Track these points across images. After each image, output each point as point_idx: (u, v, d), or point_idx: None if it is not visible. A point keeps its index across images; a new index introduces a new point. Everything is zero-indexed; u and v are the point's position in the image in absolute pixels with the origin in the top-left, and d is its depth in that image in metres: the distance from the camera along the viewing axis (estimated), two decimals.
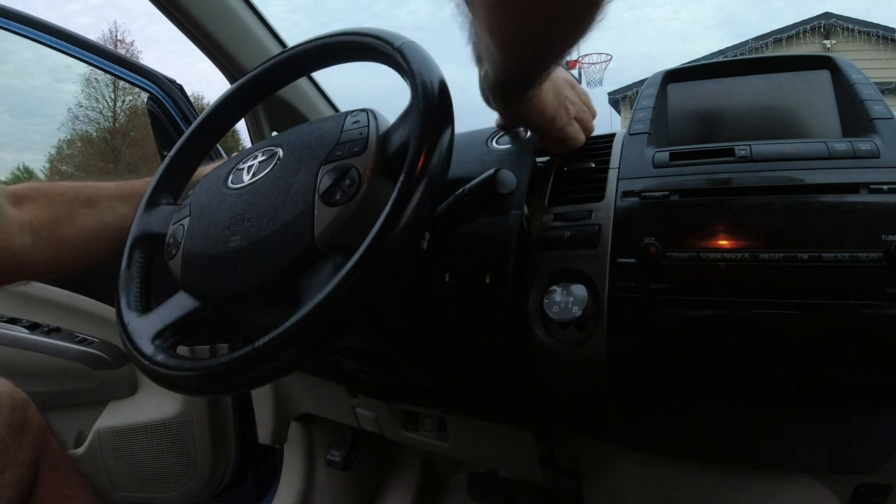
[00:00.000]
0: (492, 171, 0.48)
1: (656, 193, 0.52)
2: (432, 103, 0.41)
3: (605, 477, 0.68)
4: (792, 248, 0.46)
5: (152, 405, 1.06)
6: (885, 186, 0.46)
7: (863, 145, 0.50)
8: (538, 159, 0.63)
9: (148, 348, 0.45)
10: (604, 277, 0.50)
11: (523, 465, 0.72)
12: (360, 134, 0.46)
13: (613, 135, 0.64)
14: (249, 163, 0.51)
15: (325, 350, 0.39)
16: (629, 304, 0.49)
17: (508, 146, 0.63)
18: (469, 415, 0.70)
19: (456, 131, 0.43)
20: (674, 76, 0.66)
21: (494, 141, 0.65)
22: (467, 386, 0.61)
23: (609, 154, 0.60)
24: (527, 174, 0.58)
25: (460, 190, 0.50)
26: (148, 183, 0.60)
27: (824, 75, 0.60)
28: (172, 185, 0.59)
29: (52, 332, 1.05)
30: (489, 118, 0.63)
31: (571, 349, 0.51)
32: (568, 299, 0.51)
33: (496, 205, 0.51)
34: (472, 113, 0.59)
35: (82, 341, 1.04)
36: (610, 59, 10.65)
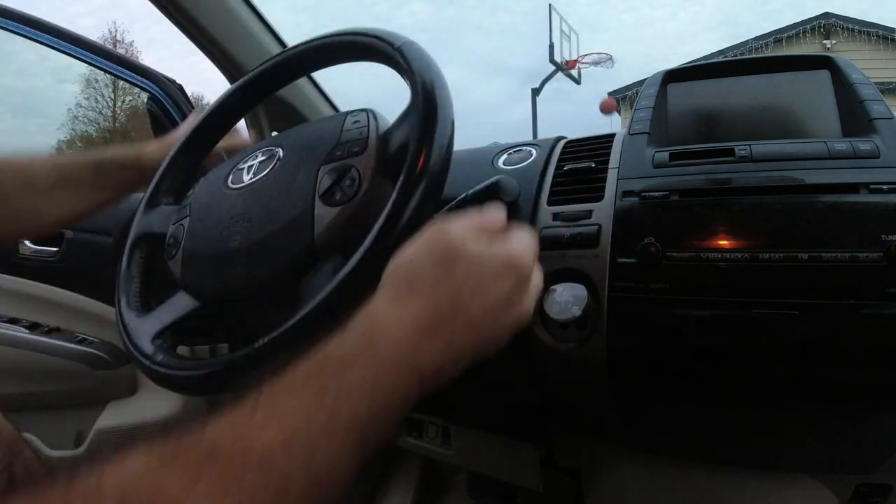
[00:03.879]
0: (495, 178, 0.49)
1: (656, 193, 0.52)
2: (432, 103, 0.41)
3: (605, 477, 0.68)
4: (792, 248, 0.46)
5: (152, 405, 1.06)
6: (885, 186, 0.46)
7: (863, 145, 0.50)
8: None
9: (148, 348, 0.45)
10: (604, 277, 0.50)
11: (525, 476, 0.73)
12: (360, 134, 0.46)
13: (613, 135, 0.64)
14: (250, 163, 0.51)
15: None
16: (629, 304, 0.49)
17: (515, 167, 0.63)
18: (469, 425, 0.70)
19: (458, 137, 0.43)
20: (674, 76, 0.66)
21: (501, 161, 0.65)
22: (467, 394, 0.61)
23: (609, 154, 0.60)
24: (532, 197, 0.58)
25: (462, 195, 0.51)
26: (81, 157, 0.60)
27: (824, 75, 0.60)
28: (173, 185, 0.59)
29: (52, 332, 1.05)
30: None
31: (572, 349, 0.51)
32: (568, 299, 0.51)
33: None
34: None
35: (82, 341, 1.04)
36: (610, 59, 10.65)
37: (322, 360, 0.30)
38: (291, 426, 0.26)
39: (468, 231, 0.35)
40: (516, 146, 0.67)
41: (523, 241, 0.37)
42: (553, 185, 0.60)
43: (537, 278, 0.38)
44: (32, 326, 1.04)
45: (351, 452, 0.28)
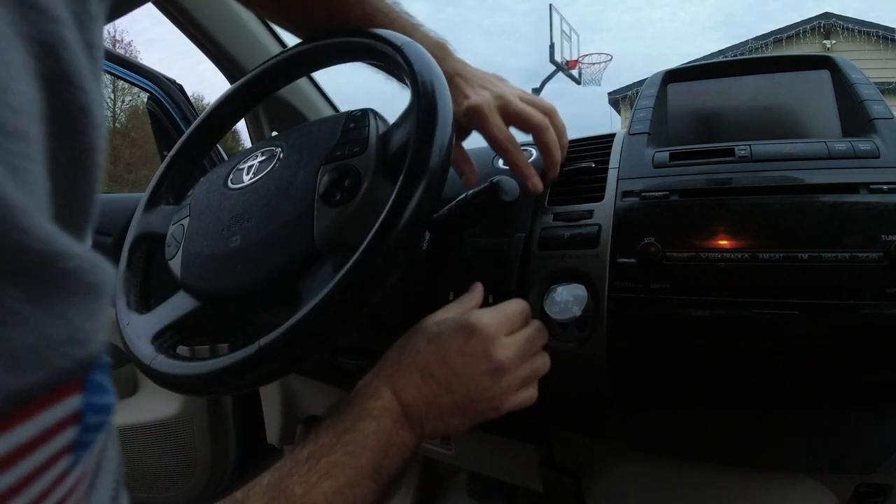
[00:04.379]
0: (495, 178, 0.49)
1: (656, 193, 0.52)
2: (433, 103, 0.41)
3: (605, 477, 0.68)
4: (792, 248, 0.46)
5: (152, 405, 1.06)
6: (885, 186, 0.46)
7: (863, 145, 0.50)
8: None
9: (148, 348, 0.45)
10: (604, 277, 0.50)
11: (525, 476, 0.73)
12: (361, 134, 0.46)
13: (613, 135, 0.64)
14: (249, 163, 0.51)
15: (325, 350, 0.39)
16: (629, 304, 0.49)
17: None
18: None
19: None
20: (674, 76, 0.66)
21: (501, 161, 0.65)
22: None
23: (609, 154, 0.60)
24: (532, 199, 0.58)
25: (462, 196, 0.51)
26: None
27: (824, 75, 0.60)
28: (173, 185, 0.59)
29: None
30: None
31: (572, 349, 0.51)
32: (568, 299, 0.51)
33: (500, 213, 0.50)
34: None
35: None
36: (610, 59, 10.65)
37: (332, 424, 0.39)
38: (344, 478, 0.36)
39: (441, 314, 0.47)
40: None
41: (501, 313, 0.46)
42: (553, 184, 0.60)
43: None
44: None
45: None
